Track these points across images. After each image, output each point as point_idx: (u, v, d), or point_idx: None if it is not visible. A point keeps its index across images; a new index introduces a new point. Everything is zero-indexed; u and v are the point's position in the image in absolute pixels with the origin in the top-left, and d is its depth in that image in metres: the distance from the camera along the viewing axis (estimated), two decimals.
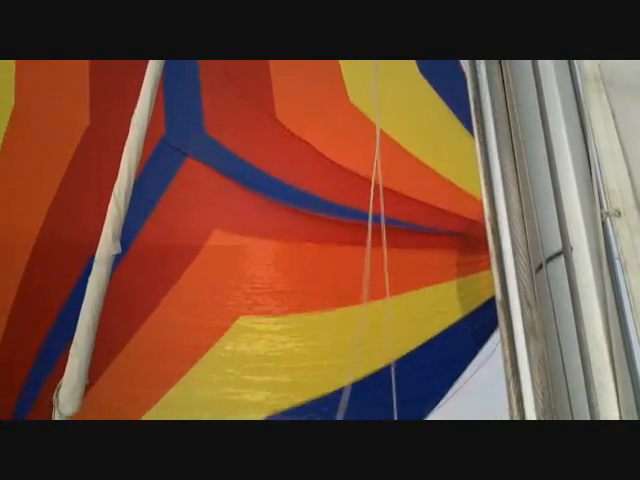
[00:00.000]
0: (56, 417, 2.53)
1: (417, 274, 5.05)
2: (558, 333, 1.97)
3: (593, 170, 2.10)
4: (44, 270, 4.50)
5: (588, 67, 2.24)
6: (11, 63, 4.39)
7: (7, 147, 4.37)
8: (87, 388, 2.76)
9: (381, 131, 4.01)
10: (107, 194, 3.05)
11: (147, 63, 2.96)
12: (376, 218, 3.77)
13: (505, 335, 2.01)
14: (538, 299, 2.01)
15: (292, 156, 4.99)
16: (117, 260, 2.97)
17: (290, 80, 4.97)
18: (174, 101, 4.71)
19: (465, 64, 2.84)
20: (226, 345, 4.84)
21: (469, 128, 3.98)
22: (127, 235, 3.07)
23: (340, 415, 4.17)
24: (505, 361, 1.99)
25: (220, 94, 4.95)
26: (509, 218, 2.13)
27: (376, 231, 3.77)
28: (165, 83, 3.37)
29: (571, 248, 2.01)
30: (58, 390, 2.60)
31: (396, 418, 3.51)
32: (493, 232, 2.14)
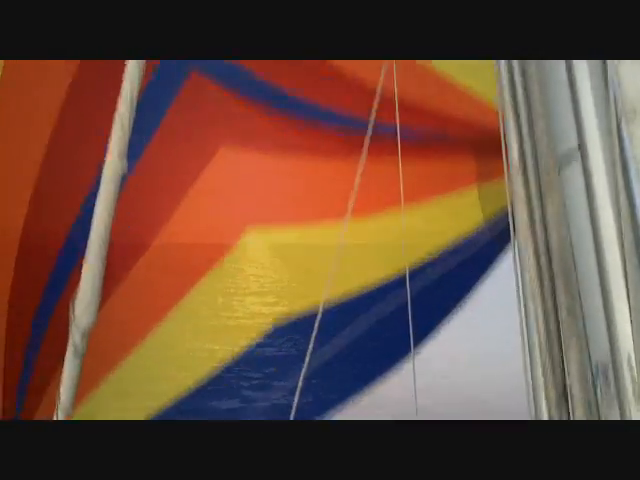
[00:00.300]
0: (73, 331, 2.48)
1: (432, 182, 5.07)
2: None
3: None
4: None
5: None
6: None
7: None
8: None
9: None
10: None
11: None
12: (387, 128, 3.72)
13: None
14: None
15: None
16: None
17: None
18: None
19: None
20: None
21: None
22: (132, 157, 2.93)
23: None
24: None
25: None
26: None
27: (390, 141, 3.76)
28: None
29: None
30: (74, 304, 2.55)
31: (410, 317, 3.64)
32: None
